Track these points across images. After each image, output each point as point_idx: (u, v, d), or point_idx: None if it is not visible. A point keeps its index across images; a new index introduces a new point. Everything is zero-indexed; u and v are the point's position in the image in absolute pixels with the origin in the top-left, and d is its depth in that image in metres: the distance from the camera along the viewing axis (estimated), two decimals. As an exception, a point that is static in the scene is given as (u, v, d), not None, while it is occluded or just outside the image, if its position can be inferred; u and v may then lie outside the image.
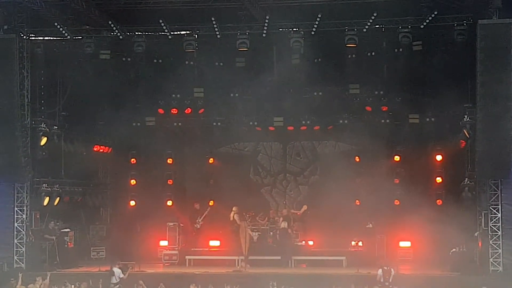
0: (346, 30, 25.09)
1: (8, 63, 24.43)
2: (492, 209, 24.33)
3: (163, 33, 25.83)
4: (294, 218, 28.13)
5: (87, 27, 26.23)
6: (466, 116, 24.95)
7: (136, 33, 25.99)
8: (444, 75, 25.41)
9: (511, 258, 24.06)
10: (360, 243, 27.30)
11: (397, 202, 28.14)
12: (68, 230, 27.44)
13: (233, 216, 27.46)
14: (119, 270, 24.23)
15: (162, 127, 29.63)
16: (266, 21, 25.02)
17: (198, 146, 30.35)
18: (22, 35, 25.43)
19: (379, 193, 27.17)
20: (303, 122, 28.94)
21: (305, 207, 28.86)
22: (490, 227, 24.30)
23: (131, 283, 23.34)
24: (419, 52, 25.48)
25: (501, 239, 24.17)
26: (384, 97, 28.30)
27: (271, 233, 27.88)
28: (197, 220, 29.18)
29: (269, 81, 27.49)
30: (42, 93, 27.06)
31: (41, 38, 26.15)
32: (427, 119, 28.08)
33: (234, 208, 27.71)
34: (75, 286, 22.01)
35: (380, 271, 22.96)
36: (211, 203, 29.74)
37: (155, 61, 27.74)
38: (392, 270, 23.11)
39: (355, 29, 25.04)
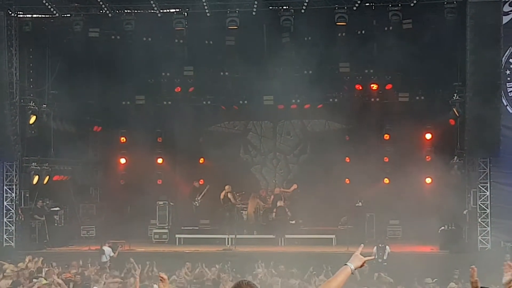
0: (336, 8, 25.00)
1: (-4, 41, 24.31)
2: (481, 187, 24.46)
3: (152, 11, 25.67)
4: (284, 197, 28.19)
5: (76, 4, 25.99)
6: (455, 95, 24.97)
7: (126, 11, 25.80)
8: (434, 54, 25.37)
9: (499, 236, 24.19)
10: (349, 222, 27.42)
11: (386, 181, 28.20)
12: (57, 209, 27.44)
13: (227, 195, 27.52)
14: (109, 249, 24.34)
15: (152, 105, 29.52)
16: (256, -1, 24.91)
17: (188, 125, 30.20)
18: (10, 12, 25.20)
19: (368, 171, 27.23)
20: (293, 100, 28.89)
21: (295, 186, 28.91)
22: (479, 205, 24.42)
23: (121, 261, 23.38)
24: (409, 30, 25.37)
25: (489, 217, 24.32)
26: (374, 76, 28.28)
27: (261, 211, 27.94)
28: (196, 198, 29.19)
29: (259, 60, 27.40)
30: (31, 71, 26.91)
31: (30, 15, 25.99)
32: (417, 98, 28.09)
33: (226, 187, 27.76)
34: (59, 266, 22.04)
35: (375, 248, 23.10)
36: (201, 181, 29.75)
37: (144, 39, 27.45)
38: (387, 247, 23.27)
39: (345, 7, 24.96)
